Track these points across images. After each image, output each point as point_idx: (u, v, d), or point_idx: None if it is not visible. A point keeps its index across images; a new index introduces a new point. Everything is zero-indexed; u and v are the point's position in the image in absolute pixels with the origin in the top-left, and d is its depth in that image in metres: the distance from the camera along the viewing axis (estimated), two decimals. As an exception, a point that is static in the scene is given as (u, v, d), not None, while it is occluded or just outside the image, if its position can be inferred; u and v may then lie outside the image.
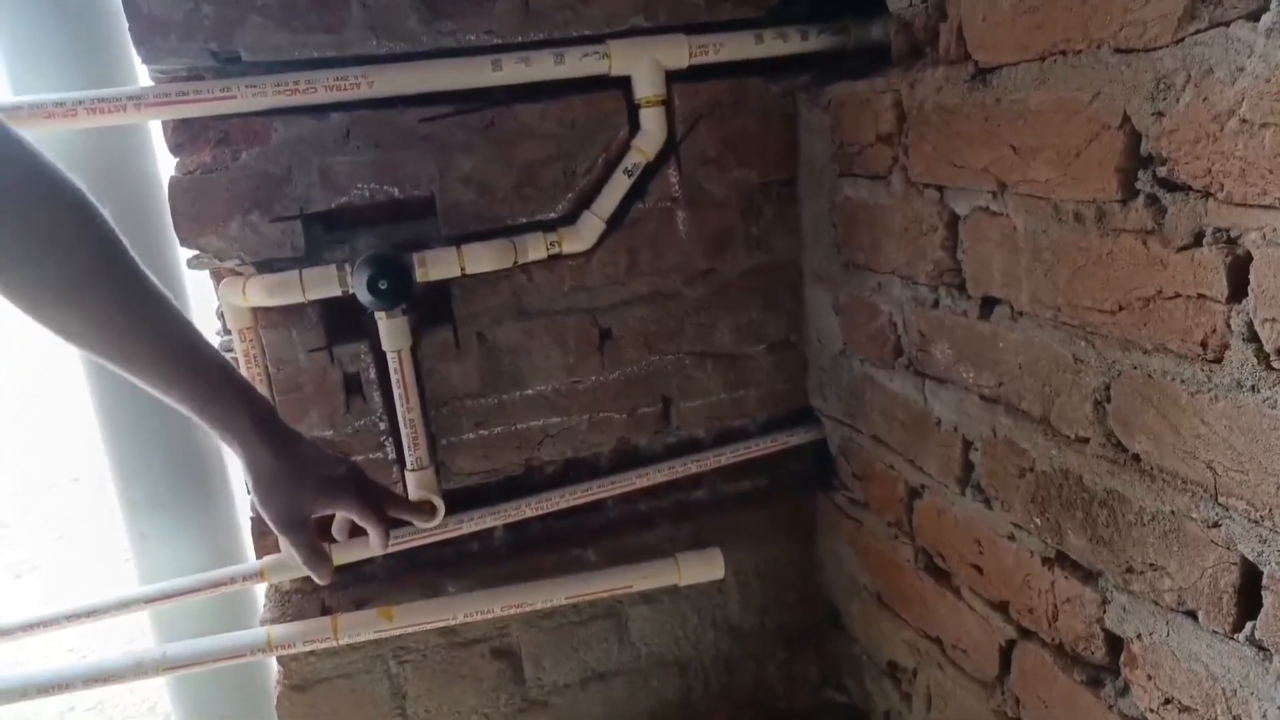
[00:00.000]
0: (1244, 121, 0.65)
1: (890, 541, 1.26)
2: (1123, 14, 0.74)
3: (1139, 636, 0.84)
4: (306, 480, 0.86)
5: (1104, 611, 0.88)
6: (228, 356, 1.16)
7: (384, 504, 0.96)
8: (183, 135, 1.10)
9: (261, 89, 1.05)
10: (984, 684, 1.10)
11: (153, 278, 0.76)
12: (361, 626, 1.22)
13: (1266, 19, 0.62)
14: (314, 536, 0.90)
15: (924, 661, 1.24)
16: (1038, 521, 0.95)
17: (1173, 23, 0.69)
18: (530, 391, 1.28)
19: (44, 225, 0.68)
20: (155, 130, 1.20)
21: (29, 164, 0.67)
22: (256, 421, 0.82)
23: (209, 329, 1.24)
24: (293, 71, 1.07)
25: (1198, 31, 0.68)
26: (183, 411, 0.79)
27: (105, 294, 0.72)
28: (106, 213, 0.72)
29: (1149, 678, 0.83)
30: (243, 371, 1.15)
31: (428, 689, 1.35)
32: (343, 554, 1.24)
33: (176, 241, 1.13)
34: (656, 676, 1.45)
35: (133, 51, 1.07)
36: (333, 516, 0.98)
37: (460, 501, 1.28)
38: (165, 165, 1.18)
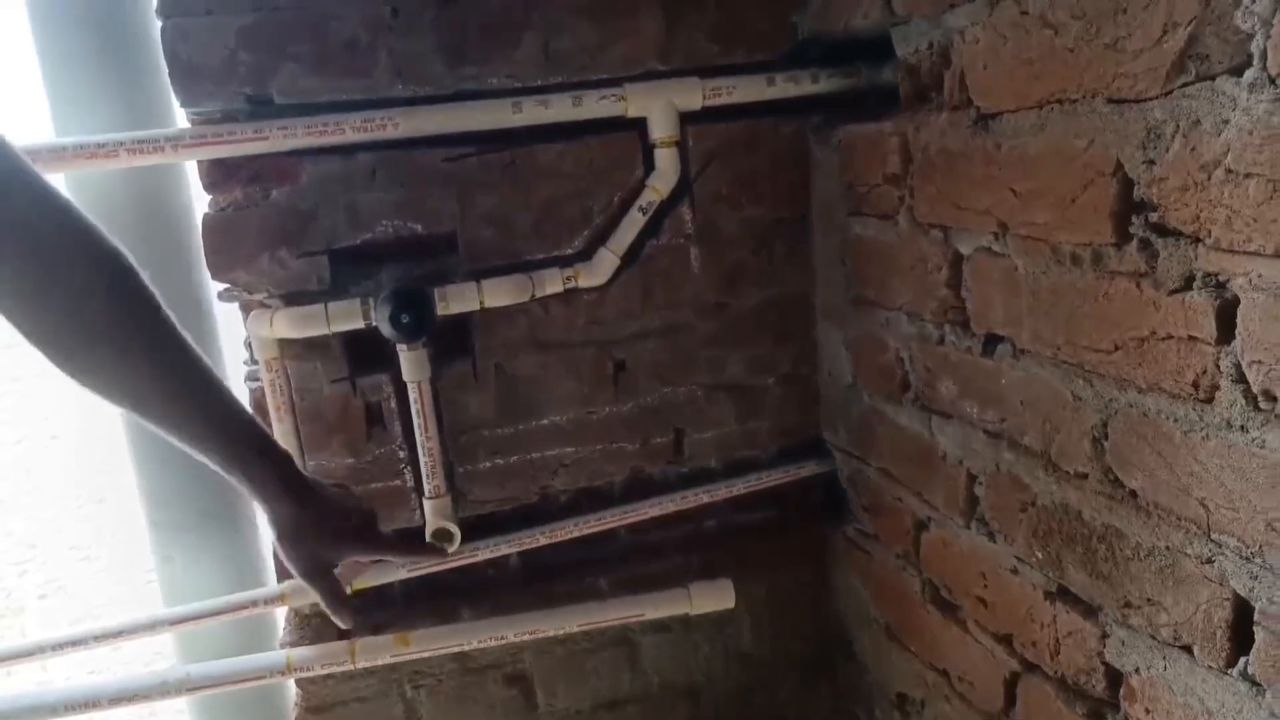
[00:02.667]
0: (1229, 171, 0.68)
1: (899, 573, 1.27)
2: (1115, 66, 0.77)
3: (1138, 670, 0.85)
4: (324, 531, 0.91)
5: (1104, 645, 0.89)
6: (255, 385, 1.21)
7: (396, 547, 1.12)
8: (217, 174, 1.15)
9: (292, 130, 1.10)
10: (989, 717, 1.11)
11: (186, 337, 0.79)
12: (378, 651, 1.25)
13: (1249, 74, 0.65)
14: (336, 583, 0.95)
15: (931, 694, 1.25)
16: (1039, 555, 0.97)
17: (1161, 76, 0.72)
18: (545, 422, 1.31)
19: (54, 258, 0.71)
20: (191, 164, 1.25)
21: (49, 206, 0.71)
22: (281, 479, 0.86)
23: (238, 358, 1.29)
24: (322, 114, 1.12)
25: (1185, 85, 0.71)
26: (211, 466, 0.83)
27: (131, 346, 0.76)
28: (145, 276, 0.76)
29: (1147, 712, 0.84)
30: (269, 400, 1.19)
31: (442, 714, 1.37)
32: (363, 579, 1.27)
33: (209, 274, 1.18)
34: (668, 704, 1.46)
35: (171, 92, 1.12)
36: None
37: (476, 529, 1.31)
38: (200, 197, 1.23)
